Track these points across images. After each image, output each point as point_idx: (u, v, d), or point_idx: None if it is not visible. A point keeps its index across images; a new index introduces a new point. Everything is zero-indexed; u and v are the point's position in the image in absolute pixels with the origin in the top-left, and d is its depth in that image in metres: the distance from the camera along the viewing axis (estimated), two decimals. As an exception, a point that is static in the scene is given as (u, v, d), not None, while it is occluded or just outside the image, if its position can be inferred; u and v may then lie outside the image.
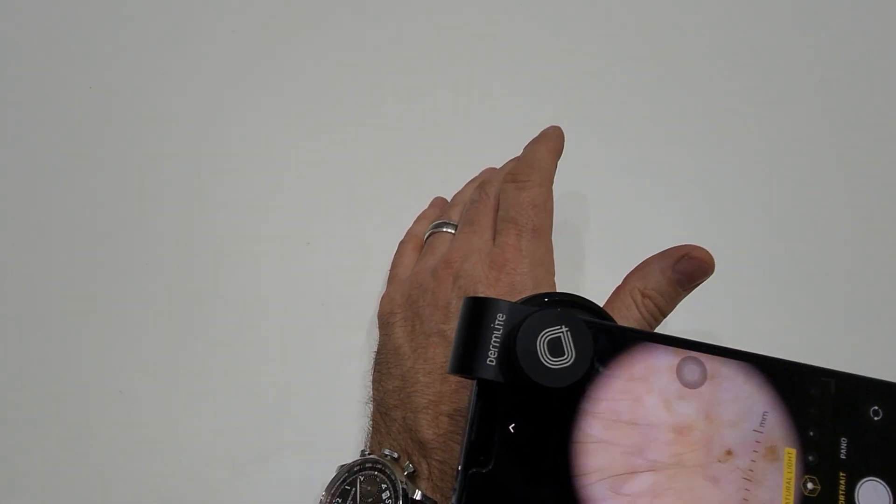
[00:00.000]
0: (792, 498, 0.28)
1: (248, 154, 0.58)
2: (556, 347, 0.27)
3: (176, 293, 0.53)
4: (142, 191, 0.57)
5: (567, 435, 0.28)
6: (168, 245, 0.54)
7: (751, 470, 0.28)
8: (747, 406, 0.29)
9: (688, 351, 0.29)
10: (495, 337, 0.28)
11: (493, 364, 0.28)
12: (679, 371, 0.29)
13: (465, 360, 0.29)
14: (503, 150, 0.54)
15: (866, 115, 0.60)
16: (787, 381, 0.29)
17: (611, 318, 0.33)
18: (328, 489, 0.39)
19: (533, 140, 0.48)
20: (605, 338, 0.29)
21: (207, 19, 0.65)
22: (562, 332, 0.27)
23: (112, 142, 0.59)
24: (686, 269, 0.37)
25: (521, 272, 0.41)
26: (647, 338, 0.30)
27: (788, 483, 0.28)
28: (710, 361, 0.29)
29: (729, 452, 0.29)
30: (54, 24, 0.64)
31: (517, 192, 0.44)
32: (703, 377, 0.29)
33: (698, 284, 0.38)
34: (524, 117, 0.58)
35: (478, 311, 0.29)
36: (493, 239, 0.45)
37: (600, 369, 0.29)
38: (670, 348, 0.29)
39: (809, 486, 0.28)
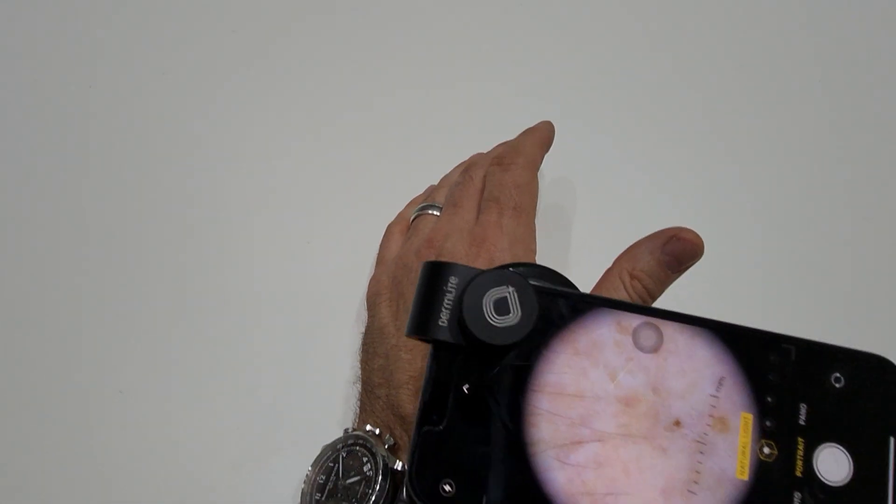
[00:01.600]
0: (747, 462, 0.29)
1: (248, 153, 0.60)
2: (501, 306, 0.29)
3: (175, 293, 0.54)
4: (142, 190, 0.58)
5: (518, 402, 0.30)
6: (168, 244, 0.56)
7: (705, 434, 0.29)
8: (702, 372, 0.30)
9: (644, 316, 0.31)
10: (448, 299, 0.30)
11: (445, 325, 0.30)
12: (635, 336, 0.30)
13: (419, 322, 0.31)
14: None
15: (867, 116, 0.60)
16: (747, 347, 0.30)
17: (574, 288, 0.35)
18: (313, 466, 0.41)
19: (523, 131, 0.51)
20: (561, 304, 0.31)
21: (207, 19, 0.66)
22: (508, 291, 0.29)
23: (112, 141, 0.60)
24: (674, 251, 0.38)
25: (500, 248, 0.43)
26: (603, 303, 0.31)
27: (744, 447, 0.29)
28: (667, 327, 0.30)
29: (677, 423, 0.30)
30: (54, 24, 0.66)
31: (501, 174, 0.47)
32: (660, 342, 0.30)
33: (688, 267, 0.39)
34: (525, 116, 0.59)
35: (432, 274, 0.31)
36: (476, 219, 0.46)
37: (551, 338, 0.30)
38: (626, 314, 0.31)
39: (766, 450, 0.29)
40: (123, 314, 0.53)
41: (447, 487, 0.30)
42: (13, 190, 0.59)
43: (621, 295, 0.39)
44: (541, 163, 0.49)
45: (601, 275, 0.41)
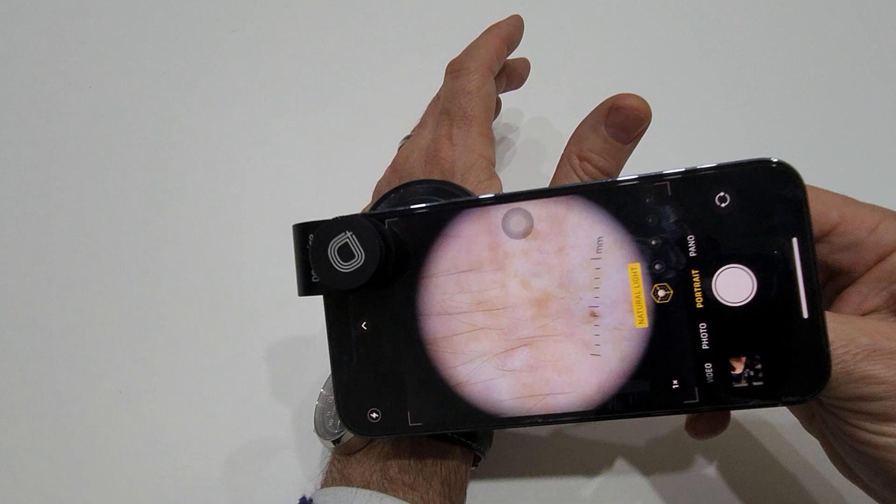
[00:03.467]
0: (644, 310, 0.30)
1: (249, 154, 0.60)
2: (346, 252, 0.31)
3: (176, 293, 0.55)
4: (142, 191, 0.59)
5: (412, 321, 0.32)
6: (168, 245, 0.57)
7: (595, 297, 0.30)
8: (578, 239, 0.31)
9: (509, 204, 0.31)
10: None
11: (318, 280, 0.32)
12: (505, 225, 0.31)
13: (301, 283, 0.34)
14: (508, 147, 0.57)
15: (865, 115, 0.57)
16: (619, 199, 0.30)
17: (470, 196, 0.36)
18: (325, 387, 0.44)
19: (485, 30, 0.49)
20: (429, 219, 0.32)
21: (207, 19, 0.66)
22: (347, 237, 0.31)
23: (111, 142, 0.61)
24: (618, 122, 0.35)
25: (450, 161, 0.43)
26: (461, 206, 0.32)
27: (637, 297, 0.30)
28: (535, 206, 0.31)
29: (592, 310, 0.31)
30: (54, 24, 0.66)
31: (452, 83, 0.46)
32: (531, 224, 0.31)
33: (639, 135, 0.36)
34: (527, 114, 0.59)
35: (296, 237, 0.34)
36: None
37: (427, 250, 0.32)
38: (491, 208, 0.31)
39: (661, 293, 0.30)
40: (123, 315, 0.55)
41: (374, 415, 0.33)
42: (13, 191, 0.59)
43: (572, 180, 0.37)
44: (499, 61, 0.48)
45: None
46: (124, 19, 0.66)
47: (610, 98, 0.35)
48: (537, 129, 0.59)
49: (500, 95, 0.55)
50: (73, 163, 0.60)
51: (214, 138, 0.60)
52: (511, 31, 0.49)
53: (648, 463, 0.45)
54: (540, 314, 0.31)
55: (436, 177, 0.43)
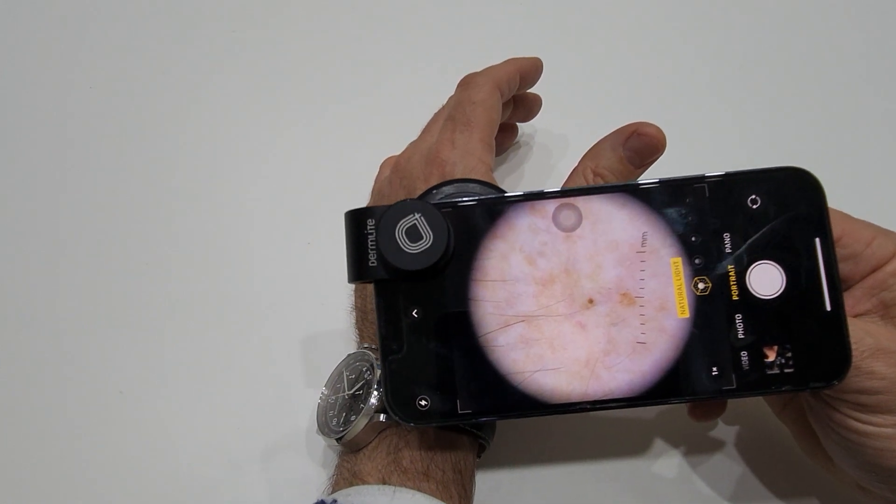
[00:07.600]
0: (685, 301, 0.33)
1: (250, 154, 0.60)
2: (414, 234, 0.33)
3: (176, 293, 0.55)
4: (142, 191, 0.59)
5: (463, 308, 0.34)
6: (168, 245, 0.57)
7: (641, 288, 0.33)
8: (625, 233, 0.33)
9: (560, 199, 0.34)
10: (371, 241, 0.34)
11: (376, 264, 0.34)
12: (556, 219, 0.34)
13: (354, 268, 0.35)
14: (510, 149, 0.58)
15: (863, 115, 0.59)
16: (662, 198, 0.33)
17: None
18: (326, 386, 0.45)
19: None
20: (482, 210, 0.34)
21: (207, 19, 0.66)
22: (416, 218, 0.33)
23: (112, 142, 0.61)
24: (636, 147, 0.39)
25: (451, 163, 0.45)
26: (514, 200, 0.34)
27: (679, 289, 0.33)
28: (584, 202, 0.34)
29: (625, 294, 0.33)
30: (54, 24, 0.66)
31: (460, 93, 0.49)
32: (580, 218, 0.34)
33: (651, 162, 0.39)
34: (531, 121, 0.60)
35: (352, 222, 0.35)
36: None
37: (479, 243, 0.34)
38: (542, 202, 0.34)
39: (701, 286, 0.33)
40: (124, 314, 0.55)
41: (423, 402, 0.35)
42: (14, 191, 0.59)
43: None
44: (509, 87, 0.50)
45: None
46: (125, 18, 0.66)
47: (633, 123, 0.39)
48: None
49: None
50: (73, 163, 0.60)
51: (217, 137, 0.61)
52: (528, 66, 0.51)
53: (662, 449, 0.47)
54: (586, 303, 0.33)
55: (435, 177, 0.45)
